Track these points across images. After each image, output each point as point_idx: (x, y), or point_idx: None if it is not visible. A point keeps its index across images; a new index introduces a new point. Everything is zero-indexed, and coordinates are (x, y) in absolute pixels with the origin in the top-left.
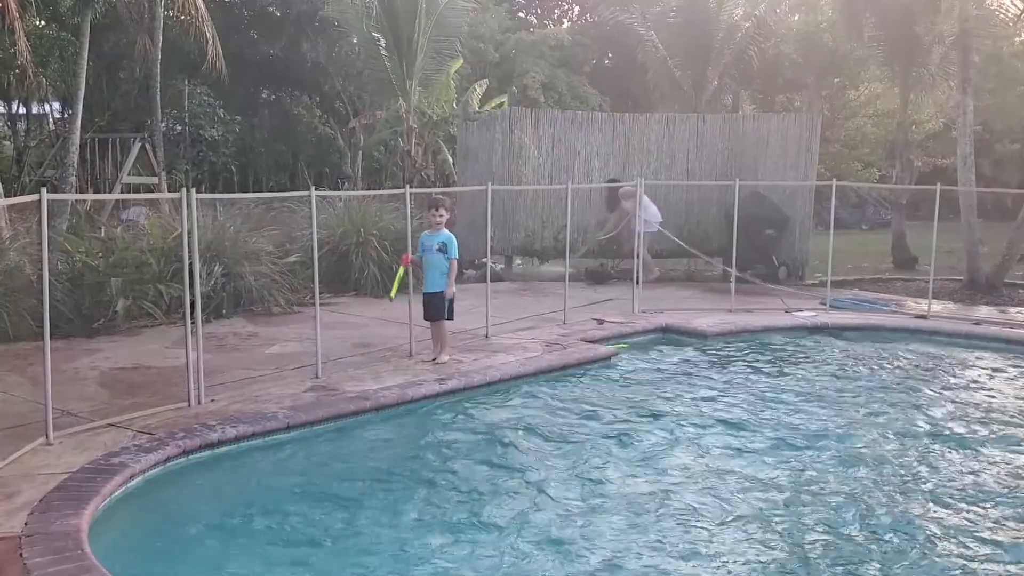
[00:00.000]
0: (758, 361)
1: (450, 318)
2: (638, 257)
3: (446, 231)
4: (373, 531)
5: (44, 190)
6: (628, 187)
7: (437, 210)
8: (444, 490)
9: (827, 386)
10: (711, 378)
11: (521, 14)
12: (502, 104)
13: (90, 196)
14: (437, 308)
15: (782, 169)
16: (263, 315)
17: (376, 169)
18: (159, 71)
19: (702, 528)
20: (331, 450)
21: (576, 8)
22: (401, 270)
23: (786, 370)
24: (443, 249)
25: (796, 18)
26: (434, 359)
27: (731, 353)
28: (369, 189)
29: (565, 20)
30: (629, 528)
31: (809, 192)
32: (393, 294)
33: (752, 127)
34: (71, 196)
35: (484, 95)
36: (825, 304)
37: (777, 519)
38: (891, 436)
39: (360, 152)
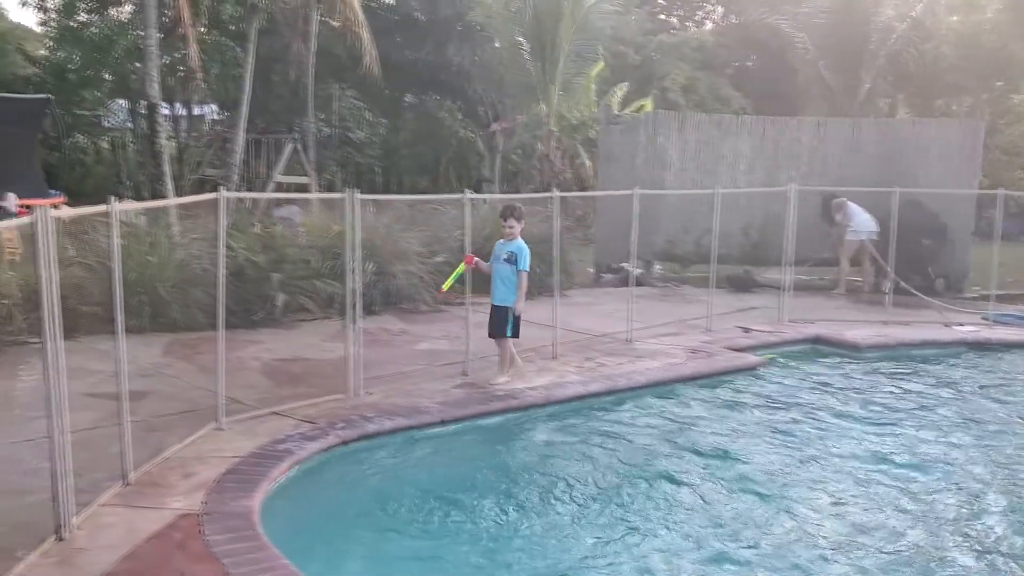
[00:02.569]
0: (916, 377)
1: (514, 335)
2: (789, 265)
3: (519, 240)
4: (522, 525)
5: (223, 190)
6: (837, 200)
7: (506, 220)
8: (592, 490)
9: (991, 408)
10: (864, 393)
11: (663, 16)
12: (642, 107)
13: (263, 195)
14: (498, 324)
15: (942, 176)
16: (411, 312)
17: (513, 173)
18: (312, 74)
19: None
20: (481, 445)
21: (719, 9)
22: (461, 266)
23: (946, 388)
24: (512, 259)
25: (954, 19)
26: (491, 381)
27: (886, 368)
28: (507, 192)
29: (708, 21)
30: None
31: (970, 201)
32: (446, 287)
33: (910, 132)
34: (247, 195)
35: (624, 98)
36: (987, 319)
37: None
38: None
39: (499, 156)
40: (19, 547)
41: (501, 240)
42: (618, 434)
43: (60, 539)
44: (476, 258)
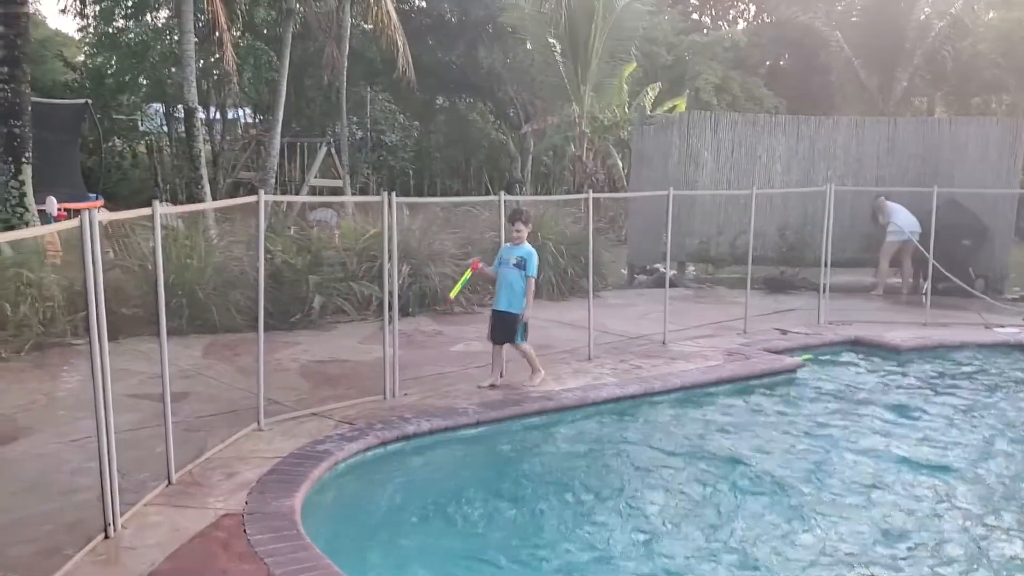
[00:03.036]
0: (959, 380)
1: (519, 341)
2: (826, 266)
3: (527, 245)
4: (562, 526)
5: (262, 192)
6: (877, 200)
7: (513, 224)
8: (632, 492)
9: None
10: (906, 396)
11: (695, 15)
12: (675, 107)
13: (302, 198)
14: (506, 330)
15: (981, 176)
16: (445, 314)
17: (545, 174)
18: (345, 78)
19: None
20: (519, 446)
21: (752, 8)
22: (468, 273)
23: (990, 391)
24: (520, 264)
25: (991, 15)
26: (530, 382)
27: (927, 370)
28: (538, 194)
29: (740, 20)
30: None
31: (1012, 201)
32: (453, 294)
33: (948, 131)
34: (286, 198)
35: (656, 98)
36: None
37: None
38: None
39: (531, 157)
40: (68, 545)
41: (507, 244)
42: (656, 436)
43: (107, 537)
44: (481, 263)
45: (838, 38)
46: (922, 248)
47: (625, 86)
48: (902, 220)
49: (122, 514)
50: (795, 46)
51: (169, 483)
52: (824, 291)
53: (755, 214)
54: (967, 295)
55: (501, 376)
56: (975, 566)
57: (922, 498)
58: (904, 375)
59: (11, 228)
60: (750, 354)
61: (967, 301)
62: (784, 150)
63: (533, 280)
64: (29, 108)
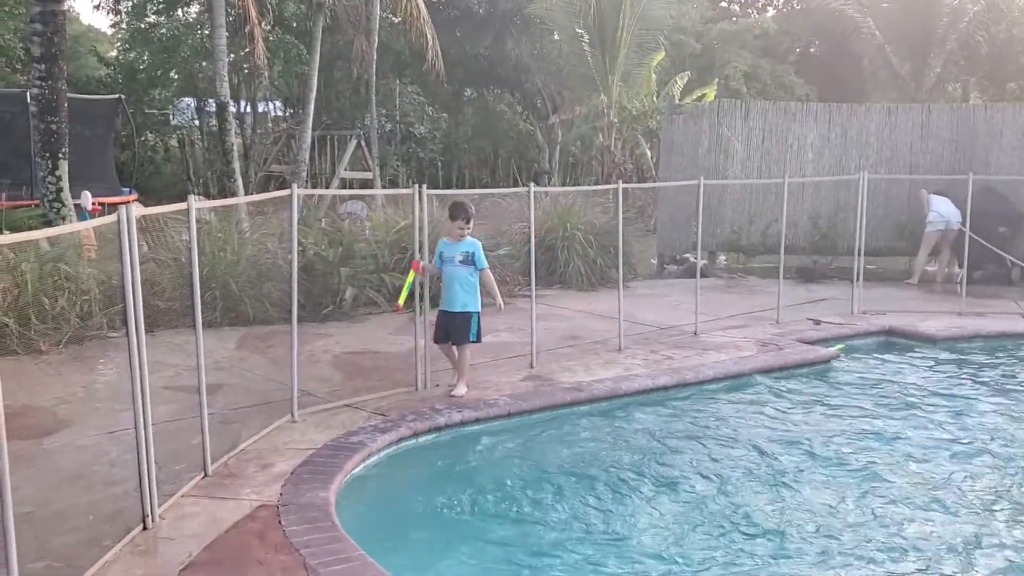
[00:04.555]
0: (996, 370)
1: (477, 340)
2: (859, 255)
3: (470, 238)
4: (596, 518)
5: (295, 186)
6: (920, 193)
7: (455, 221)
8: (663, 483)
9: None
10: (942, 386)
11: (724, 3)
12: (703, 96)
13: (334, 191)
14: (461, 331)
15: (1018, 163)
16: None
17: (572, 164)
18: (374, 71)
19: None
20: (550, 438)
21: None
22: (412, 275)
23: None
24: (468, 260)
25: None
26: (451, 393)
27: (964, 360)
28: (566, 184)
29: (770, 8)
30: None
31: None
32: (402, 300)
33: (983, 118)
34: (319, 191)
35: (685, 87)
36: None
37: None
38: None
39: (558, 147)
40: (108, 536)
41: (445, 239)
42: (690, 428)
43: (145, 528)
44: (421, 262)
45: (869, 24)
46: (962, 238)
47: (653, 75)
48: (943, 210)
49: (160, 505)
50: (825, 33)
51: (205, 475)
52: (858, 280)
53: (787, 203)
54: (1004, 284)
55: (459, 379)
56: None
57: (967, 486)
58: (940, 365)
59: (48, 222)
60: (783, 344)
61: (1004, 290)
62: (816, 138)
63: (488, 271)
64: (66, 104)
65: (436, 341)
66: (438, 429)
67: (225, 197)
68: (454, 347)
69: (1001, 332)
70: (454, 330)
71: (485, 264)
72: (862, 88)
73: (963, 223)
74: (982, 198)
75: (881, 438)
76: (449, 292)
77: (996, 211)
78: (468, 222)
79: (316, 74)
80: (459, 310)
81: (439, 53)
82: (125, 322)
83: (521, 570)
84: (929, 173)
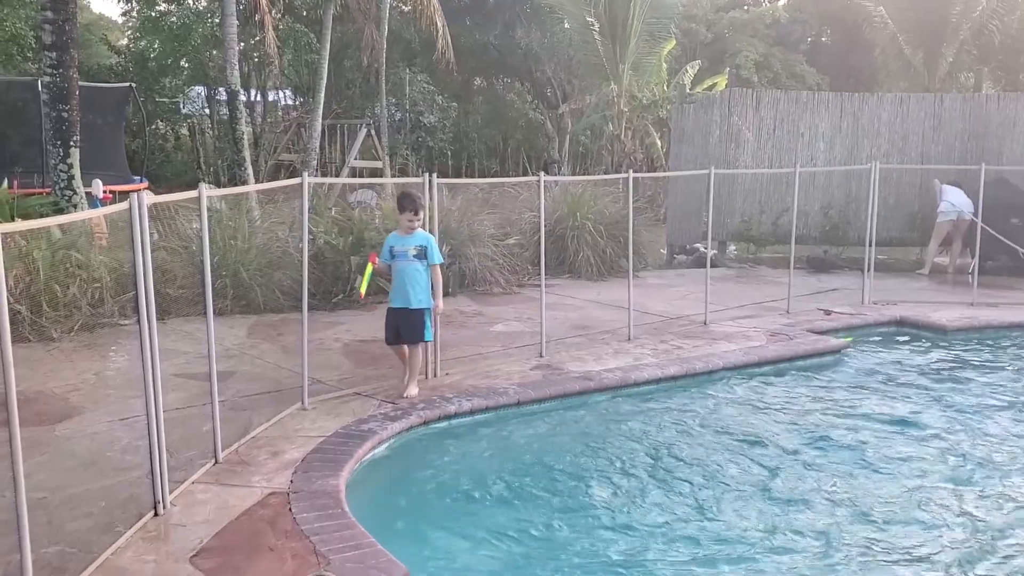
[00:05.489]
0: (1009, 361)
1: (428, 339)
2: (871, 245)
3: (422, 231)
4: (605, 506)
5: (306, 175)
6: (933, 183)
7: (402, 212)
8: (672, 474)
9: None
10: (954, 377)
11: None
12: (714, 85)
13: (343, 180)
14: (413, 329)
15: None
16: (484, 295)
17: (582, 153)
18: (384, 59)
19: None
20: (560, 426)
21: None
22: (369, 267)
23: None
24: (421, 254)
25: None
26: (403, 394)
27: (976, 351)
28: (576, 173)
29: None
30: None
31: None
32: (363, 290)
33: (996, 108)
34: (330, 180)
35: (695, 76)
36: None
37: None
38: None
39: (568, 137)
40: (120, 521)
41: (396, 232)
42: (699, 418)
43: (157, 515)
44: (378, 257)
45: (882, 13)
46: (974, 228)
47: (664, 64)
48: (956, 199)
49: (171, 492)
50: (837, 22)
51: (216, 462)
52: (868, 270)
53: (798, 192)
54: (1017, 275)
55: (410, 379)
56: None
57: (980, 478)
58: (952, 356)
59: (60, 210)
60: (794, 334)
61: (1016, 281)
62: (827, 127)
63: (439, 268)
64: (77, 92)
65: (388, 343)
66: (448, 417)
67: (236, 186)
68: (406, 347)
69: (1013, 323)
70: (407, 329)
71: (440, 260)
72: (874, 77)
73: (975, 213)
74: (995, 188)
75: (893, 425)
76: (401, 288)
77: (1009, 202)
78: (417, 213)
79: (326, 63)
80: (414, 307)
81: (449, 42)
82: (137, 309)
83: (531, 557)
84: (941, 163)
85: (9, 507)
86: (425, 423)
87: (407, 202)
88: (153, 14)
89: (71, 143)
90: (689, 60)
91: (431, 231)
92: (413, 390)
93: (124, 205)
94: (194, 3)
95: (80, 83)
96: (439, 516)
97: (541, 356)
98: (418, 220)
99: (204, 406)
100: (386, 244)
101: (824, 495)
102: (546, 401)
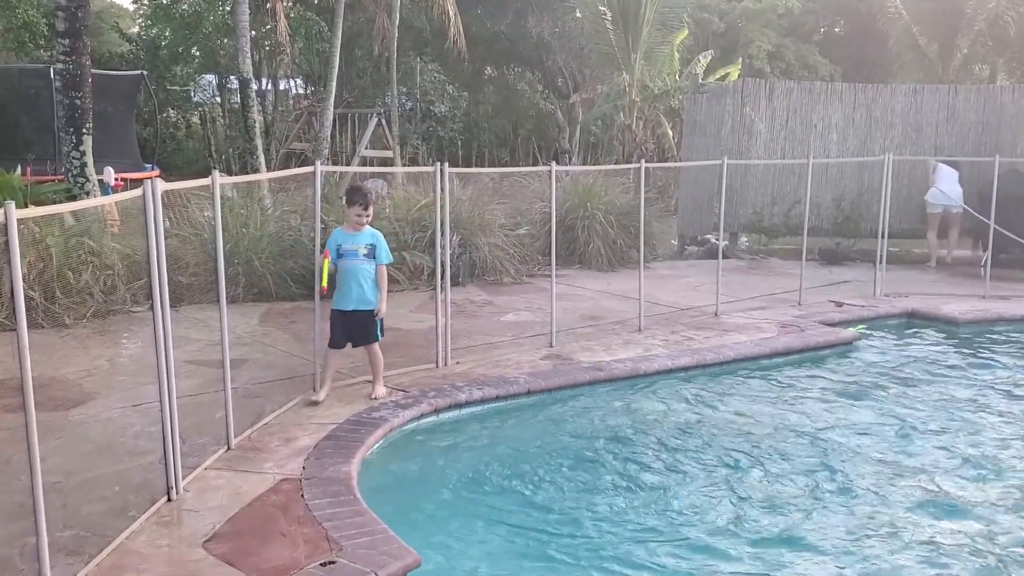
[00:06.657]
0: (1018, 353)
1: (380, 337)
2: (883, 237)
3: (370, 228)
4: (615, 495)
5: (318, 163)
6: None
7: (351, 207)
8: (683, 463)
9: None
10: (965, 370)
11: None
12: (727, 75)
13: (354, 168)
14: (367, 331)
15: None
16: (495, 284)
17: (593, 143)
18: (395, 48)
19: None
20: (570, 415)
21: None
22: (326, 262)
23: None
24: (371, 253)
25: None
26: (371, 395)
27: (987, 343)
28: (587, 163)
29: None
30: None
31: None
32: (324, 284)
33: (1011, 99)
34: (342, 168)
35: (708, 66)
36: None
37: None
38: None
39: (579, 127)
40: (134, 506)
41: (342, 228)
42: (710, 408)
43: (170, 500)
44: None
45: (896, 4)
46: (967, 218)
47: (676, 54)
48: (945, 187)
49: (184, 477)
50: (851, 12)
51: (228, 448)
52: (881, 262)
53: (810, 184)
54: None
55: (375, 381)
56: None
57: (992, 476)
58: (963, 348)
59: (73, 197)
60: (805, 326)
61: None
62: (840, 119)
63: (385, 268)
64: (90, 80)
65: (333, 346)
66: (459, 406)
67: (247, 174)
68: (364, 348)
69: None
70: (359, 330)
71: (389, 259)
72: (888, 69)
73: (972, 205)
74: (1008, 180)
75: (903, 418)
76: (348, 289)
77: (1022, 194)
78: (367, 208)
79: (338, 51)
80: (365, 308)
81: (461, 31)
82: (150, 296)
83: (541, 545)
84: (955, 155)
85: (25, 490)
86: (436, 411)
87: (358, 196)
88: (165, 2)
89: (83, 130)
90: (701, 50)
91: (442, 220)
92: (380, 390)
93: (137, 192)
94: None
95: (92, 71)
96: (450, 502)
97: (551, 346)
98: (367, 216)
99: (217, 393)
100: (331, 242)
101: (839, 486)
102: (556, 391)
